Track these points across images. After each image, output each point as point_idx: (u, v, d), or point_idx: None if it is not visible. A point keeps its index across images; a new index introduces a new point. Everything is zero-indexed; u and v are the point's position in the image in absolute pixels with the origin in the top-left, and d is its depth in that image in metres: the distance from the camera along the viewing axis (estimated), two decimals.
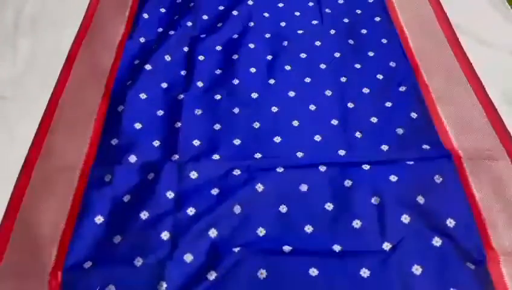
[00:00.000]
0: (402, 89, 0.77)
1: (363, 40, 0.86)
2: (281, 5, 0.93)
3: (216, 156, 0.68)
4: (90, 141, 0.69)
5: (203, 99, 0.76)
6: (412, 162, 0.66)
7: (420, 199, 0.62)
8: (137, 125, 0.71)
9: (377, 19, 0.90)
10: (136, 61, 0.82)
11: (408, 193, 0.63)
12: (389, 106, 0.74)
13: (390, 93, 0.76)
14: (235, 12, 0.89)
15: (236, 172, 0.66)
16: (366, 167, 0.66)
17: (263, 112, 0.74)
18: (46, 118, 0.72)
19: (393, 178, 0.64)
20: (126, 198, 0.63)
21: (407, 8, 0.92)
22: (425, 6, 0.91)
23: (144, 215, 0.60)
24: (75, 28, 0.86)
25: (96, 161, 0.67)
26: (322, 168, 0.66)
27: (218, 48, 0.84)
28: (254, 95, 0.76)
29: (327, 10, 0.91)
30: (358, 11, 0.92)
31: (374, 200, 0.62)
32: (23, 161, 0.66)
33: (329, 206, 0.62)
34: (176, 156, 0.67)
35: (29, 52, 0.82)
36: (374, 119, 0.73)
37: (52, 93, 0.75)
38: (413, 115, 0.73)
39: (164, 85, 0.78)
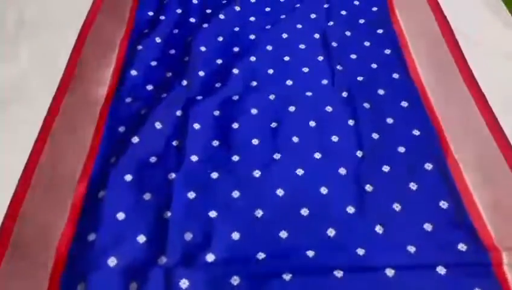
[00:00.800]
0: (428, 167, 0.66)
1: (380, 102, 0.76)
2: (287, 58, 0.83)
3: (211, 257, 0.57)
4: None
5: (197, 179, 0.65)
6: (444, 271, 0.55)
7: None
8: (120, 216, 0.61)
9: (395, 75, 0.79)
10: (121, 129, 0.72)
11: None
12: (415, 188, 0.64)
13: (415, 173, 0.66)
14: (235, 71, 0.79)
15: (235, 280, 0.55)
16: (390, 271, 0.55)
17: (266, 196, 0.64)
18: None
19: None
20: None
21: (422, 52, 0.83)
22: (449, 64, 0.81)
23: None
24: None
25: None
26: (339, 274, 0.55)
27: (216, 113, 0.74)
28: (256, 174, 0.66)
29: (338, 67, 0.81)
30: (374, 66, 0.81)
31: None
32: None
33: None
34: (164, 259, 0.56)
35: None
36: (397, 207, 0.62)
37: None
38: (443, 204, 0.62)
39: (153, 159, 0.68)
